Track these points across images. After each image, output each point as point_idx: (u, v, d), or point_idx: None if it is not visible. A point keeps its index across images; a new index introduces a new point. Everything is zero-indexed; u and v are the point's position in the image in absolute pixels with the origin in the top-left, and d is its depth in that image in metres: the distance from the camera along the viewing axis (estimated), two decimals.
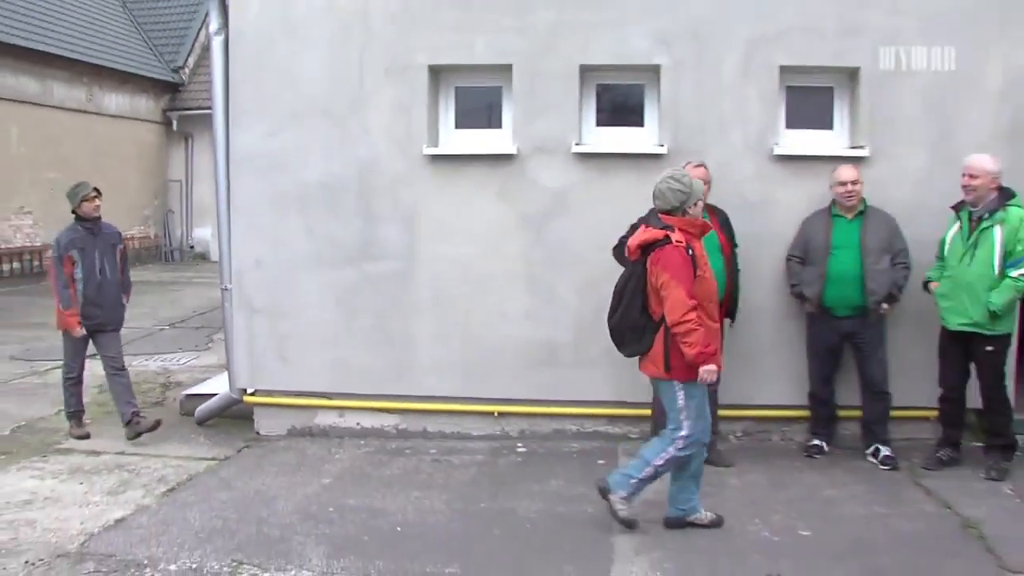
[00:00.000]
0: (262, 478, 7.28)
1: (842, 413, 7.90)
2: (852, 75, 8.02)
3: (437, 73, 8.26)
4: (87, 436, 8.38)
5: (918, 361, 7.72)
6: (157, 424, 8.25)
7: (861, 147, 7.90)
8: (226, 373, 8.81)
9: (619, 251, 7.47)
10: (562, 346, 8.16)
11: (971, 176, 7.04)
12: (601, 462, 7.64)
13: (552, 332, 8.16)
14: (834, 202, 7.57)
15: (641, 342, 5.92)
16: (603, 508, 6.35)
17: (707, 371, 5.77)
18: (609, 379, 8.08)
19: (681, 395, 5.87)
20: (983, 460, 7.34)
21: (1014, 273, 6.93)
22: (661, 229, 5.82)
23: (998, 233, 6.98)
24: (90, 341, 8.46)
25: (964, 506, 6.57)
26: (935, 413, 7.66)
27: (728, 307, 7.45)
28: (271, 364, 8.43)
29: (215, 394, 8.87)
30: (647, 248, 5.84)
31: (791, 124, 8.18)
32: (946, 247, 7.29)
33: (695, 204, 5.95)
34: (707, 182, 7.20)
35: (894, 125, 7.90)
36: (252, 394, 8.55)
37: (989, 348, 7.12)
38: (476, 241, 8.16)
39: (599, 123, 8.32)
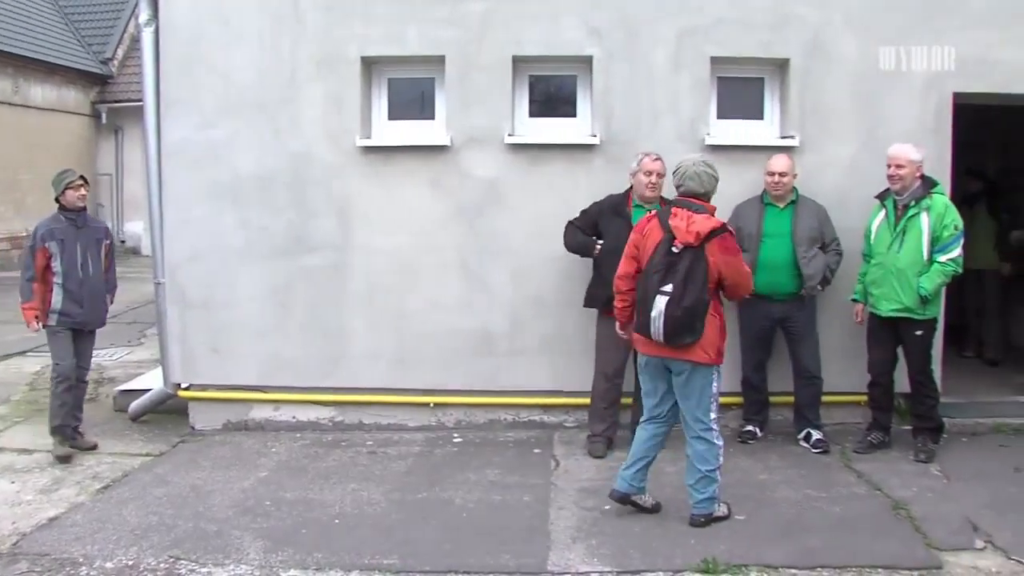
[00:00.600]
0: (198, 473, 7.23)
1: (775, 399, 8.02)
2: (782, 66, 8.13)
3: (369, 64, 8.25)
4: (70, 457, 7.61)
5: (848, 347, 7.87)
6: (94, 447, 7.85)
7: (791, 137, 8.01)
8: (160, 368, 8.73)
9: (572, 238, 7.61)
10: (497, 336, 8.20)
11: (897, 166, 7.18)
12: (537, 451, 7.69)
13: (486, 322, 8.19)
14: (766, 191, 7.67)
15: (701, 329, 5.83)
16: (540, 496, 6.46)
17: None
18: (544, 368, 8.15)
19: (716, 379, 6.01)
20: (911, 443, 7.49)
21: (943, 258, 7.09)
22: (712, 216, 5.92)
23: (925, 220, 7.12)
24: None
25: (893, 487, 6.72)
26: (865, 398, 7.80)
27: None
28: (205, 358, 8.37)
29: (149, 389, 8.79)
30: (711, 235, 5.80)
31: (722, 114, 8.28)
32: (872, 236, 7.43)
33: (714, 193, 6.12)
34: (663, 175, 7.29)
35: (823, 115, 8.03)
36: (186, 389, 8.46)
37: (919, 332, 7.26)
38: (410, 232, 8.15)
39: (532, 114, 8.35)
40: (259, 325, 8.28)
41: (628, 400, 7.72)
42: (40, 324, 7.73)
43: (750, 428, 7.92)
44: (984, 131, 10.98)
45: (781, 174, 7.49)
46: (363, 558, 5.59)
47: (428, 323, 8.18)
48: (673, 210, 5.97)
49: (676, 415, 6.20)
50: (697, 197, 5.96)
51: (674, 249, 5.81)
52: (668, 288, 5.76)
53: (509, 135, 8.06)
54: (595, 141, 7.98)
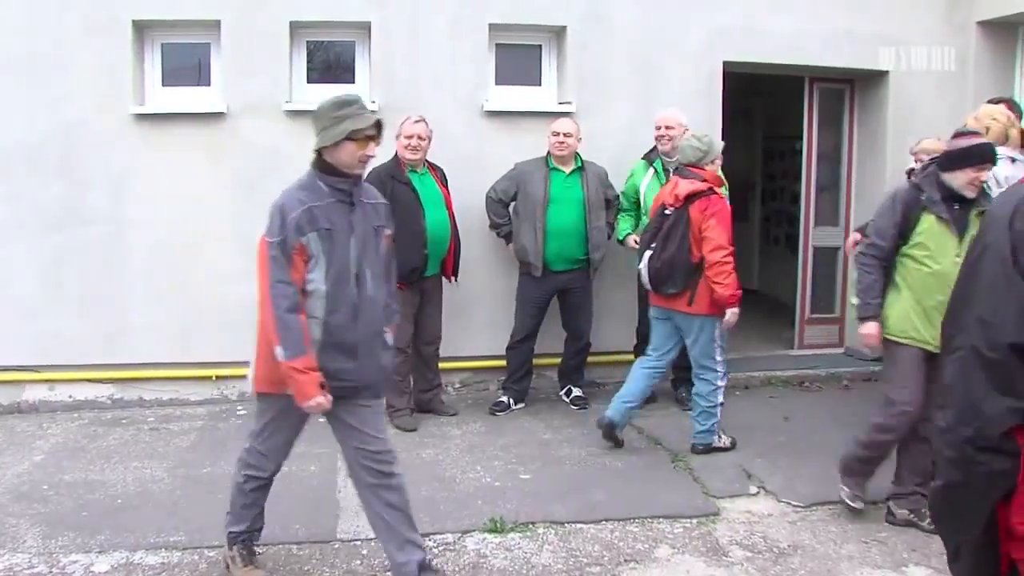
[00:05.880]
0: None
1: (545, 360, 8.21)
2: (559, 33, 8.29)
3: (142, 28, 7.96)
4: None
5: (617, 307, 8.14)
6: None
7: (568, 103, 8.18)
8: None
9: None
10: None
11: (667, 127, 7.51)
12: (322, 420, 7.59)
13: None
14: (550, 154, 7.68)
15: (688, 282, 6.35)
16: (327, 465, 6.45)
17: (733, 313, 6.43)
18: None
19: (718, 329, 6.46)
20: (683, 398, 7.83)
21: None
22: (702, 182, 6.36)
23: None
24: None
25: (673, 441, 7.00)
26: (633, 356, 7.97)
27: (453, 265, 7.63)
28: None
29: None
30: (692, 198, 6.30)
31: (501, 81, 8.40)
32: (641, 195, 7.63)
33: (713, 161, 6.49)
34: (429, 138, 7.34)
35: (600, 81, 8.25)
36: None
37: None
38: (187, 201, 7.91)
39: (310, 80, 8.25)
40: (29, 302, 7.89)
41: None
42: (328, 398, 4.48)
43: (503, 399, 7.87)
44: (754, 100, 11.47)
45: (566, 134, 7.52)
46: (148, 537, 5.43)
47: (209, 295, 7.99)
48: (671, 179, 6.57)
49: (669, 367, 7.15)
50: (692, 166, 6.42)
51: (666, 212, 6.45)
52: (653, 245, 6.48)
53: (287, 102, 7.95)
54: (374, 107, 7.90)
